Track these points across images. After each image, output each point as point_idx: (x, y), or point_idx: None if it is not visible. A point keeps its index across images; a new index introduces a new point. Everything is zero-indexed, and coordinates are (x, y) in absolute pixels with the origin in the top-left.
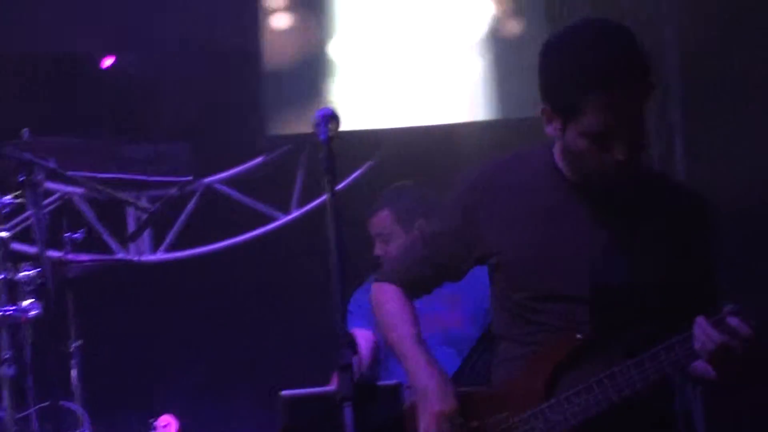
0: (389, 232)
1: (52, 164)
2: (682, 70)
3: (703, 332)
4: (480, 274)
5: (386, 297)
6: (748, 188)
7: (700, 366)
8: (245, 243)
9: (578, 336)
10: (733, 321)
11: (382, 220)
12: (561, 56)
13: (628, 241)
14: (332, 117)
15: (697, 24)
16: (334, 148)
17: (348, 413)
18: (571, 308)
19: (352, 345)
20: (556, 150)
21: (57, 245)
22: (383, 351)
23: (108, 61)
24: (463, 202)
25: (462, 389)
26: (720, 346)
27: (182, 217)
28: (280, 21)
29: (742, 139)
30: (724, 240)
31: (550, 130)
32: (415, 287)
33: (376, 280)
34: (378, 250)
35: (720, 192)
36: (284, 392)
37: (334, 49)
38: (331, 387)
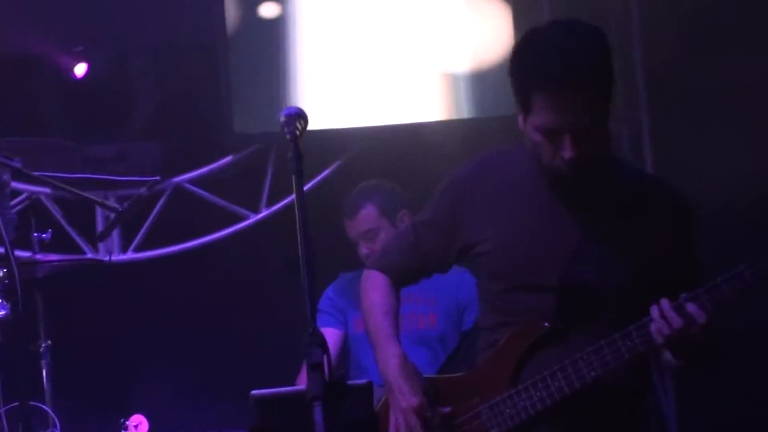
0: (377, 227)
1: (17, 164)
2: (648, 74)
3: (661, 316)
4: (458, 278)
5: (372, 284)
6: (717, 192)
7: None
8: (215, 242)
9: (545, 324)
10: (690, 307)
11: (368, 215)
12: (517, 57)
13: (602, 236)
14: (299, 116)
15: (662, 29)
16: (301, 147)
17: (318, 413)
18: (539, 298)
19: (323, 344)
20: None
21: (25, 245)
22: (355, 346)
23: (80, 69)
24: (451, 193)
25: (433, 376)
26: (676, 331)
27: (151, 216)
28: (248, 19)
29: (710, 144)
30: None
31: (520, 121)
32: (402, 276)
33: (369, 267)
34: (363, 249)
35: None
36: (254, 392)
37: (302, 47)
38: (302, 387)
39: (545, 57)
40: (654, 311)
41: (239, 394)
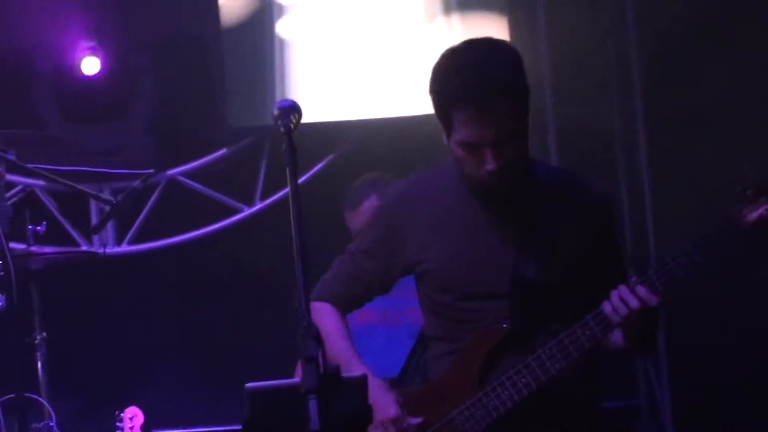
0: None
1: (11, 156)
2: (643, 66)
3: (619, 298)
4: None
5: (322, 314)
6: (713, 200)
7: (613, 338)
8: (209, 235)
9: (504, 326)
10: (641, 290)
11: (371, 207)
12: (436, 77)
13: (537, 237)
14: (293, 108)
15: (658, 20)
16: (295, 140)
17: (313, 406)
18: (493, 304)
19: (317, 337)
20: None
21: (20, 238)
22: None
23: (92, 64)
24: (384, 220)
25: (402, 390)
26: (632, 311)
27: (146, 209)
28: (240, 12)
29: (704, 137)
30: (693, 248)
31: (444, 140)
32: (346, 304)
33: (312, 300)
34: None
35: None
36: (248, 384)
37: (295, 39)
38: (297, 380)
39: (462, 75)
40: (612, 294)
41: (234, 386)
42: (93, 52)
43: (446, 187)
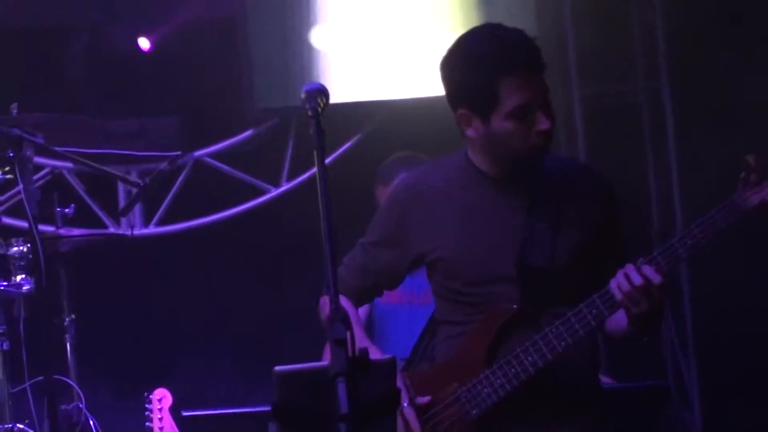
0: None
1: (40, 140)
2: (669, 46)
3: (624, 275)
4: None
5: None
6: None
7: (615, 319)
8: (236, 216)
9: (513, 306)
10: (646, 269)
11: None
12: (467, 58)
13: (544, 223)
14: (321, 91)
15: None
16: (322, 122)
17: (342, 389)
18: (502, 288)
19: (346, 320)
20: (472, 152)
21: (49, 220)
22: (379, 316)
23: (145, 43)
24: (394, 211)
25: (412, 370)
26: (635, 288)
27: (173, 191)
28: None
29: (731, 146)
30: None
31: (471, 132)
32: (357, 294)
33: (324, 293)
34: None
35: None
36: (277, 368)
37: (323, 19)
38: (325, 362)
39: (502, 46)
40: (618, 272)
41: (263, 367)
42: (121, 34)
43: (454, 177)
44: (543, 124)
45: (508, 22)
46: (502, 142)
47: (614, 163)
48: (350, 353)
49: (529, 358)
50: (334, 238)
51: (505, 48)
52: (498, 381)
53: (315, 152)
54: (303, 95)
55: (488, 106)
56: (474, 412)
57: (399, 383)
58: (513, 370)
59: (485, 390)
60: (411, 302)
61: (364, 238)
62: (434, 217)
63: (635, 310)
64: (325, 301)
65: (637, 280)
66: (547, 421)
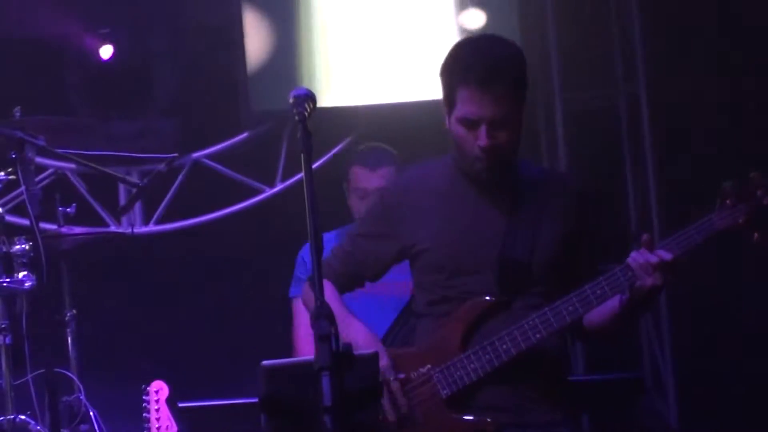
0: None
1: (41, 142)
2: (647, 47)
3: (642, 255)
4: None
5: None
6: (717, 181)
7: (597, 311)
8: (232, 215)
9: (488, 298)
10: (660, 252)
11: (389, 174)
12: (447, 59)
13: (523, 220)
14: (308, 97)
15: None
16: (313, 123)
17: (326, 382)
18: (479, 279)
19: (330, 316)
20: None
21: (51, 219)
22: None
23: (106, 51)
24: (384, 206)
25: (390, 349)
26: (650, 264)
27: (171, 190)
28: None
29: (707, 149)
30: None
31: (447, 123)
32: (340, 282)
33: (308, 278)
34: (355, 203)
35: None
36: (264, 362)
37: (317, 25)
38: (311, 357)
39: (469, 57)
40: (633, 253)
41: (257, 361)
42: (119, 37)
43: (442, 174)
44: (481, 141)
45: (495, 30)
46: (456, 142)
47: (593, 164)
48: (334, 348)
49: (504, 346)
50: (319, 236)
51: (469, 60)
52: (472, 365)
53: (302, 155)
54: (291, 100)
55: (449, 105)
56: (444, 392)
57: (386, 360)
58: (487, 356)
59: (458, 373)
60: (372, 291)
61: (354, 230)
62: (420, 212)
63: (641, 283)
64: (309, 294)
65: (653, 258)
66: (519, 409)
